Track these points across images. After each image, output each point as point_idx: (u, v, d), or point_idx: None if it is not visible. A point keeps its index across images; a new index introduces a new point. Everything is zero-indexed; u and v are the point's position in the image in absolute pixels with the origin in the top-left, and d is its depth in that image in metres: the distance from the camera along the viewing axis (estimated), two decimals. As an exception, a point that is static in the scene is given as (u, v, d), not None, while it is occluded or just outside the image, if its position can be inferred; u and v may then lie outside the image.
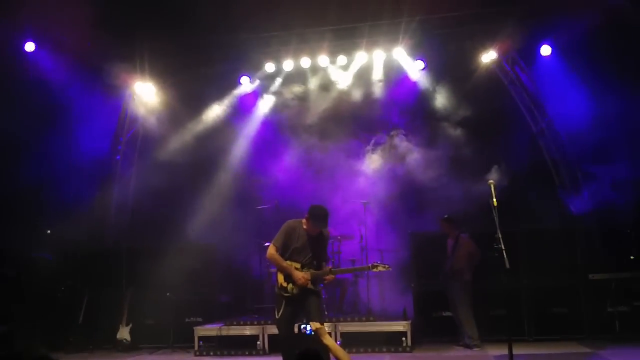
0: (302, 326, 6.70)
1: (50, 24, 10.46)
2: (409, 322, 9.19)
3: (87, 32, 10.59)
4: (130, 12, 9.88)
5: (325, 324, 8.65)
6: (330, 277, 6.89)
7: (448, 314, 9.72)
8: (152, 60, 11.39)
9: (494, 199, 5.64)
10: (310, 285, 6.75)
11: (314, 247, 6.89)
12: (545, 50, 10.67)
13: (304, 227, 6.87)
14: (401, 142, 11.35)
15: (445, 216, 9.64)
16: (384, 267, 7.05)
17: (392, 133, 11.44)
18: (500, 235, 5.42)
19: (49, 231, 11.76)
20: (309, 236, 6.86)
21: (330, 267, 7.13)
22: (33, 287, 10.83)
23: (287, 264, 6.81)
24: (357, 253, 10.43)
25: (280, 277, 6.89)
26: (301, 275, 6.72)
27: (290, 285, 6.76)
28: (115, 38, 10.77)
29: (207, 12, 10.09)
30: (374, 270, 7.05)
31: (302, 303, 6.78)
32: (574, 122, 10.29)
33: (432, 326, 9.93)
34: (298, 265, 6.81)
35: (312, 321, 6.58)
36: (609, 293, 9.33)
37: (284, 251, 6.86)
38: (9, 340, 9.61)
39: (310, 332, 6.57)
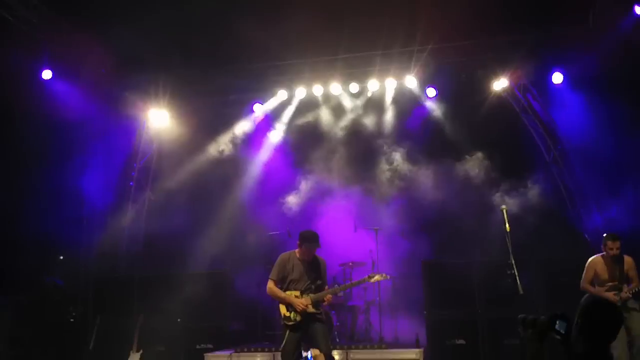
0: (304, 354, 6.81)
1: (67, 52, 10.66)
2: (422, 350, 9.09)
3: (103, 60, 10.81)
4: (146, 41, 10.02)
5: (336, 350, 8.75)
6: (328, 297, 6.97)
7: (461, 342, 9.60)
8: (167, 87, 11.54)
9: (507, 225, 5.63)
10: (311, 309, 6.93)
11: (311, 274, 7.10)
12: (557, 78, 10.70)
13: (298, 255, 7.14)
14: (413, 170, 11.36)
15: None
16: (382, 276, 7.25)
17: (404, 160, 11.44)
18: (513, 261, 5.39)
19: (61, 257, 11.80)
20: (304, 263, 7.09)
21: (328, 288, 7.26)
22: (45, 313, 10.86)
23: (285, 294, 7.03)
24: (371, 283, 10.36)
25: (283, 308, 7.06)
26: (300, 301, 6.89)
27: (292, 314, 6.95)
28: (130, 66, 10.95)
29: (221, 41, 10.24)
30: (371, 280, 7.28)
31: (306, 330, 6.93)
32: (588, 150, 10.27)
33: (445, 354, 9.78)
34: (297, 293, 7.02)
35: (316, 347, 6.68)
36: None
37: (282, 283, 7.10)
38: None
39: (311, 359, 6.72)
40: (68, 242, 11.38)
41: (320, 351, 6.77)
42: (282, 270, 7.11)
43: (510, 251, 5.38)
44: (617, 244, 7.71)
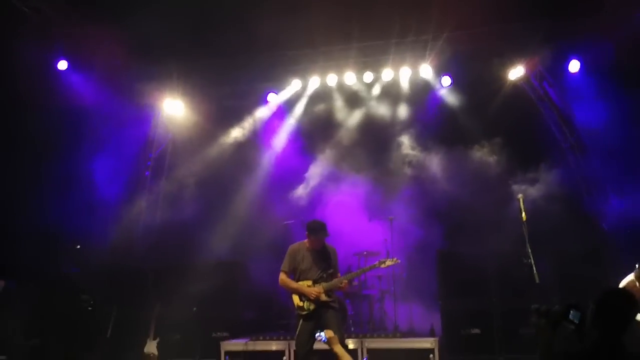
0: (317, 334, 6.90)
1: (82, 43, 10.71)
2: (437, 339, 9.09)
3: (117, 50, 10.83)
4: (160, 31, 10.03)
5: (351, 339, 8.78)
6: (344, 283, 7.04)
7: (476, 331, 9.58)
8: (181, 77, 11.56)
9: (523, 213, 5.59)
10: (324, 298, 6.99)
11: (321, 263, 7.15)
12: (574, 66, 10.59)
13: (307, 245, 7.20)
14: (428, 159, 11.31)
15: None
16: (393, 260, 7.24)
17: (419, 149, 11.40)
18: (530, 250, 5.36)
19: (78, 246, 11.90)
20: (314, 253, 7.15)
21: (340, 276, 7.27)
22: (61, 302, 10.96)
23: (297, 284, 7.09)
24: (383, 269, 10.35)
25: (296, 298, 7.13)
26: (312, 290, 6.95)
27: (306, 303, 7.01)
28: (145, 56, 10.97)
29: (235, 31, 10.23)
30: (383, 266, 7.31)
31: (319, 318, 7.00)
32: (605, 138, 10.17)
33: (460, 343, 9.76)
34: (309, 283, 7.08)
35: (328, 329, 6.77)
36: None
37: (293, 274, 7.18)
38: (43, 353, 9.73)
39: (325, 340, 6.81)
40: (84, 232, 11.47)
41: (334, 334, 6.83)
42: (292, 262, 7.16)
43: (527, 240, 5.34)
44: None
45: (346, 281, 7.13)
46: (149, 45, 10.45)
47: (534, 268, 5.37)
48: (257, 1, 9.62)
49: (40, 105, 10.55)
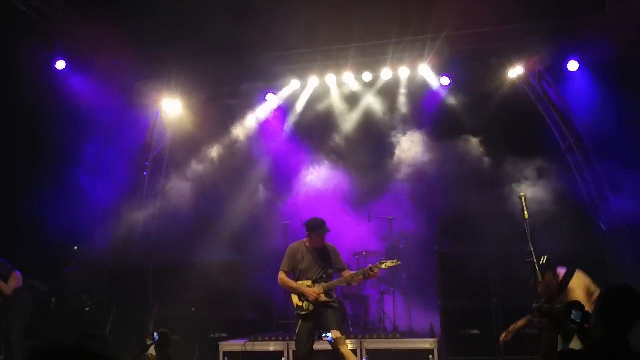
0: (324, 334, 6.86)
1: (81, 43, 10.68)
2: (436, 339, 9.06)
3: (116, 51, 10.81)
4: (159, 31, 10.00)
5: (350, 340, 8.74)
6: (376, 271, 6.89)
7: (476, 332, 9.55)
8: (180, 78, 11.52)
9: (526, 212, 5.55)
10: (324, 298, 6.95)
11: (321, 262, 7.11)
12: (573, 65, 10.57)
13: (307, 245, 7.16)
14: (427, 158, 11.28)
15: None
16: (393, 262, 7.14)
17: (417, 149, 11.37)
18: (532, 249, 5.31)
19: (76, 247, 11.85)
20: (314, 252, 7.12)
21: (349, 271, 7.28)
22: (60, 303, 10.93)
23: (297, 284, 7.05)
24: (382, 270, 10.32)
25: (295, 298, 7.10)
26: (312, 290, 6.90)
27: (305, 303, 6.98)
28: (143, 56, 10.94)
29: (234, 31, 10.19)
30: (383, 267, 7.11)
31: (319, 318, 6.98)
32: (604, 138, 10.16)
33: (460, 344, 9.74)
34: (309, 283, 7.03)
35: (334, 330, 6.73)
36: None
37: (293, 274, 7.16)
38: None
39: (331, 340, 6.76)
40: (83, 232, 11.43)
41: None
42: (292, 261, 7.13)
43: (529, 239, 5.31)
44: None
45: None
46: (148, 44, 10.40)
47: (537, 267, 5.32)
48: (256, 1, 9.58)
49: (38, 105, 10.52)
